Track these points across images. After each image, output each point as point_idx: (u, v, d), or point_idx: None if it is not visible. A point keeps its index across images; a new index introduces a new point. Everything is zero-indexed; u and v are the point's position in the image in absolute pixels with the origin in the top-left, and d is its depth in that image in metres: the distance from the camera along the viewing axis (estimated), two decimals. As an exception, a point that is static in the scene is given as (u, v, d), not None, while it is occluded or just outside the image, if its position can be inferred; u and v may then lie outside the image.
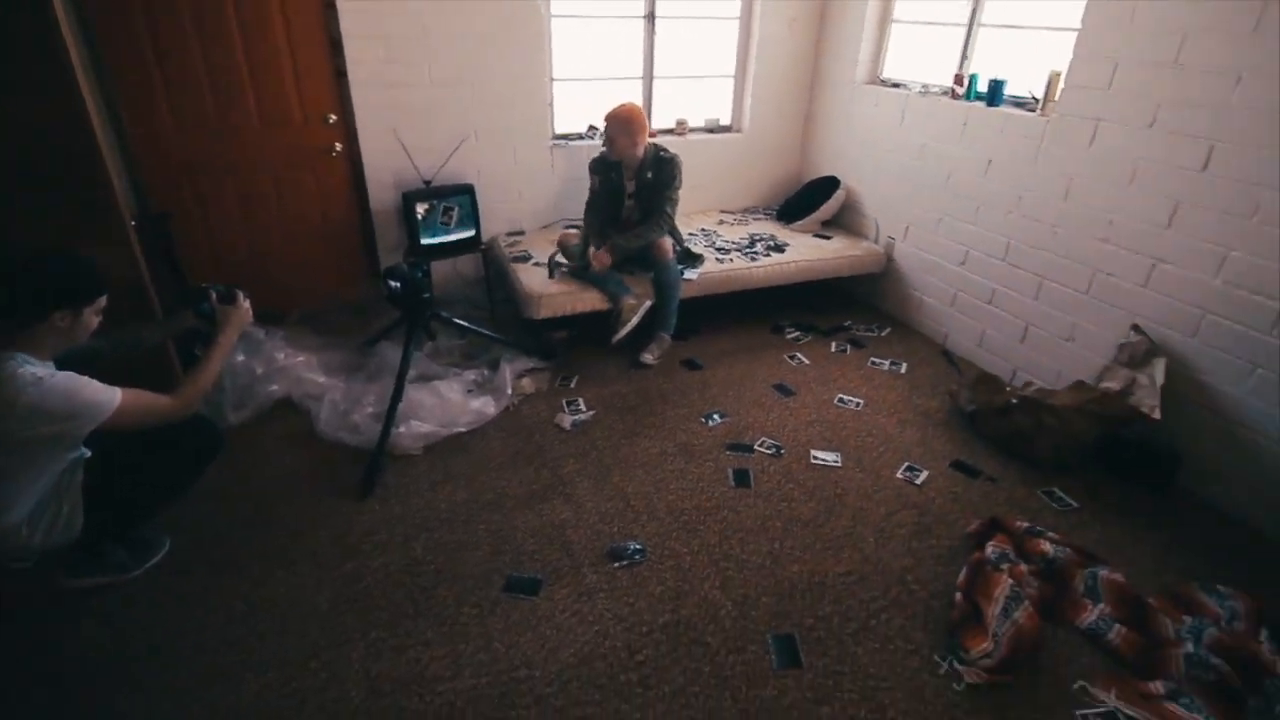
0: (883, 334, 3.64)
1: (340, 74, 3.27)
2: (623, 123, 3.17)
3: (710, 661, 1.82)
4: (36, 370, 1.63)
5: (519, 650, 1.85)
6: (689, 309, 3.52)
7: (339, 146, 3.42)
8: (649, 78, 3.94)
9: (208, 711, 1.69)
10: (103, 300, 1.77)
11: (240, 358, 2.90)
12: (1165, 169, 2.44)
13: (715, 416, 2.88)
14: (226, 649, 1.84)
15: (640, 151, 3.23)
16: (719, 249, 3.67)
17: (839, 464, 2.61)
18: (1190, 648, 1.86)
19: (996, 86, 3.06)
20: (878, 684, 1.78)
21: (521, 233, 3.90)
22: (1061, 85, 2.75)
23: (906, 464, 2.61)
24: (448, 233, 3.51)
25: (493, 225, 3.83)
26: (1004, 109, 3.04)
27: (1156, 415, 2.39)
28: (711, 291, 3.42)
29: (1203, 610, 2.01)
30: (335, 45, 3.20)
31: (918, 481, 2.52)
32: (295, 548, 2.19)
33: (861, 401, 3.01)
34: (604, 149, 3.30)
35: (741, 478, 2.51)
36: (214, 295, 2.11)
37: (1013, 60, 3.14)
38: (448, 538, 2.23)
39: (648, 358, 3.28)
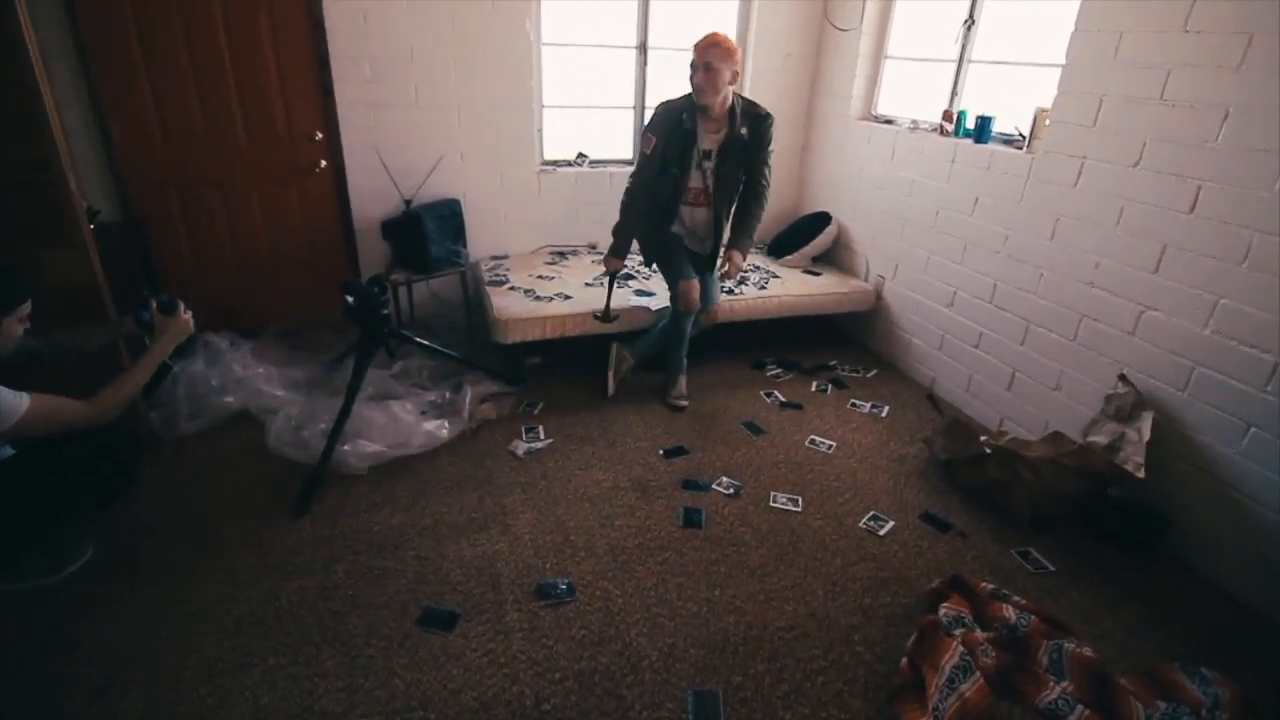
0: (868, 375, 3.49)
1: (327, 92, 3.30)
2: (725, 50, 2.61)
3: (621, 717, 1.68)
4: None
5: (419, 689, 1.72)
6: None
7: (323, 164, 3.44)
8: (640, 108, 3.92)
9: (80, 735, 1.59)
10: (24, 308, 1.75)
11: (200, 367, 2.88)
12: (1152, 210, 2.30)
13: (676, 452, 2.76)
14: (124, 660, 1.76)
15: (727, 98, 2.71)
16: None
17: (799, 509, 2.45)
18: (1160, 736, 1.67)
19: (984, 123, 2.96)
20: (801, 754, 1.61)
21: (505, 256, 3.86)
22: (1047, 122, 2.64)
23: (872, 513, 2.45)
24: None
25: (477, 247, 3.81)
26: (991, 146, 2.94)
27: (1140, 474, 2.21)
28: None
29: (1182, 695, 1.81)
30: (323, 63, 3.24)
31: (881, 533, 2.36)
32: (217, 563, 2.11)
33: (834, 444, 2.86)
34: (682, 99, 2.75)
35: (692, 518, 2.38)
36: (154, 304, 2.08)
37: (1001, 97, 3.04)
38: (373, 563, 2.13)
39: (682, 401, 3.10)
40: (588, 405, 3.10)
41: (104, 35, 2.93)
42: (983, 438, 2.53)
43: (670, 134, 2.80)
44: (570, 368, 3.39)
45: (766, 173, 2.93)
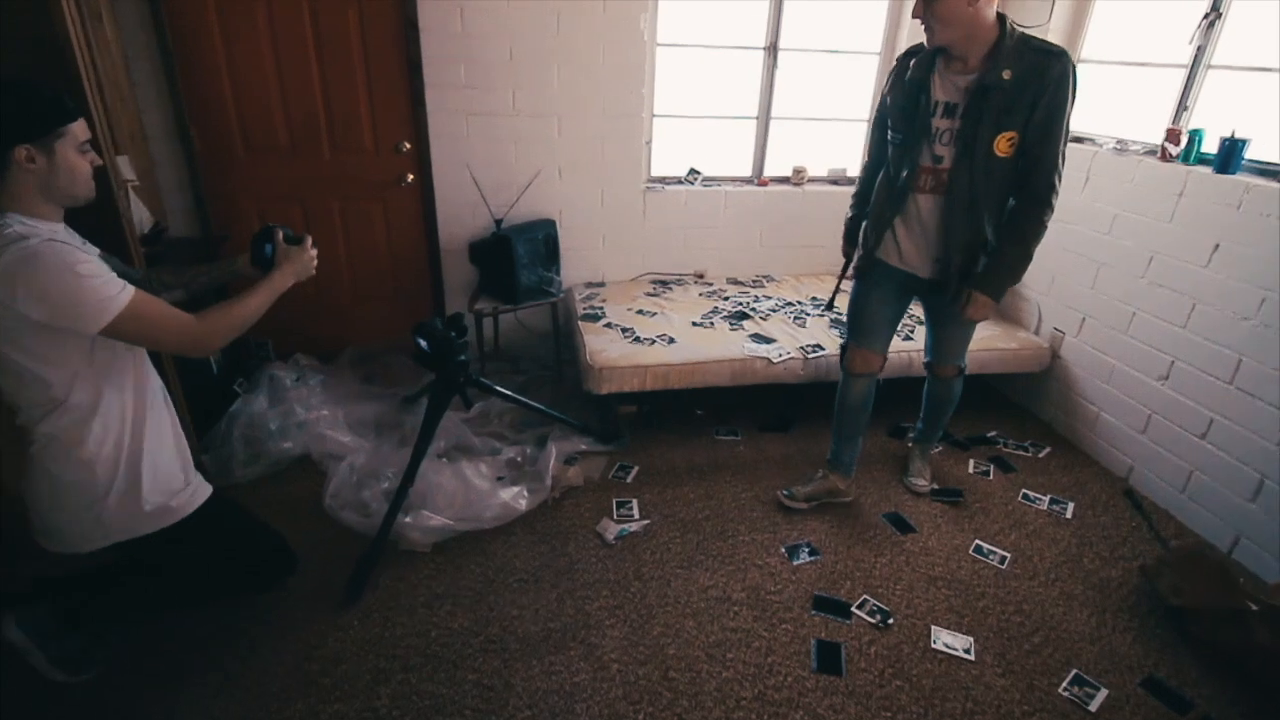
0: (1040, 454, 2.81)
1: (417, 99, 2.96)
2: None
3: None
4: (26, 228, 1.30)
5: None
6: (787, 395, 2.90)
7: (411, 177, 3.11)
8: (765, 118, 3.39)
9: None
10: (77, 128, 1.36)
11: (261, 405, 2.58)
12: None
13: (804, 551, 2.21)
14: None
15: (985, 30, 1.80)
16: (833, 322, 3.01)
17: (971, 656, 1.86)
18: None
19: (1234, 147, 2.24)
20: None
21: (602, 284, 3.43)
22: (1355, 149, 1.92)
23: (1074, 671, 1.82)
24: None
25: (571, 273, 3.39)
26: (1244, 178, 2.22)
27: None
28: (818, 378, 2.77)
29: None
30: (414, 67, 2.90)
31: (1091, 706, 1.73)
32: (249, 665, 1.75)
33: (1007, 556, 2.23)
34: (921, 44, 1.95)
35: (829, 657, 1.83)
36: (281, 235, 1.71)
37: (1255, 113, 2.30)
38: (425, 687, 1.71)
39: (920, 483, 2.51)
40: (690, 473, 2.61)
41: (188, 35, 2.69)
42: (1241, 580, 1.84)
43: (895, 86, 2.02)
44: (670, 420, 2.91)
45: (1053, 156, 1.83)
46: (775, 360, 2.72)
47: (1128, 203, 2.61)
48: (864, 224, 2.20)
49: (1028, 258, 1.97)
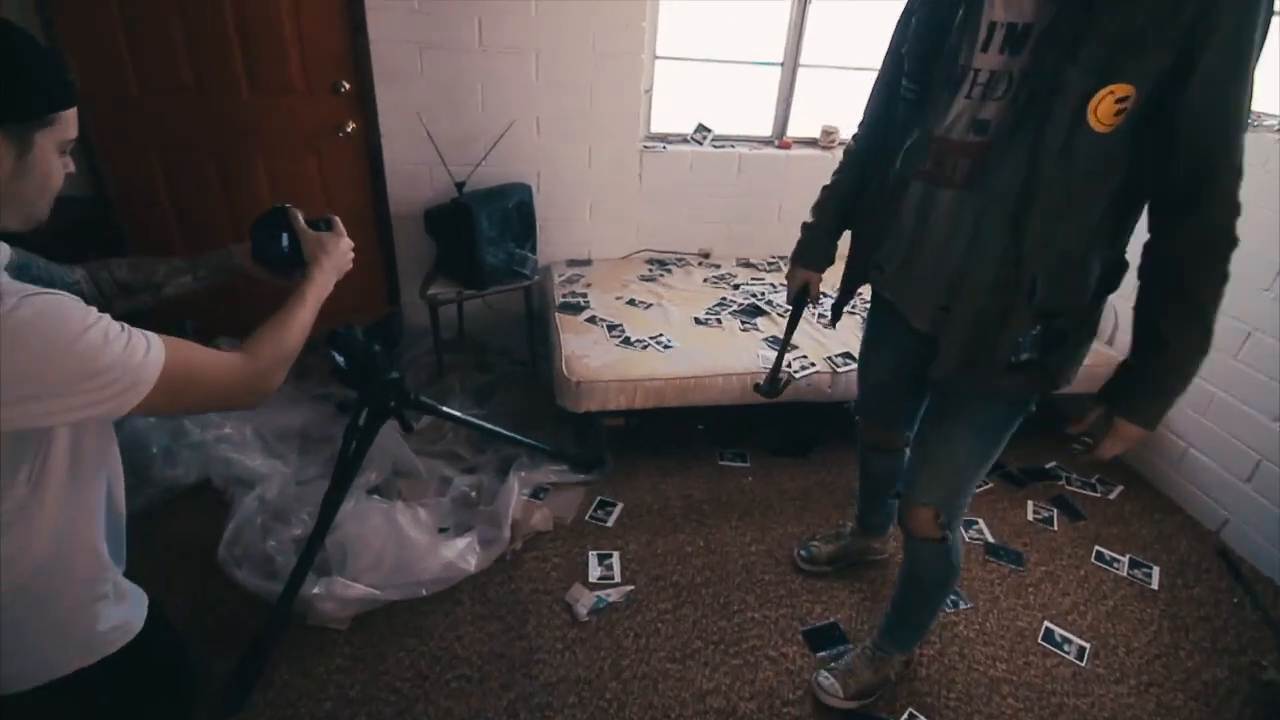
0: (1110, 495, 2.32)
1: (358, 24, 2.34)
2: None
3: None
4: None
5: None
6: (808, 415, 2.39)
7: (352, 126, 2.51)
8: (791, 66, 2.77)
9: None
10: (69, 117, 0.77)
11: (149, 419, 2.05)
12: None
13: (830, 637, 1.73)
14: None
15: None
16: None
17: (1055, 810, 1.40)
18: None
19: None
20: None
21: (588, 262, 2.87)
22: None
23: (1192, 837, 1.37)
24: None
25: (551, 248, 2.83)
26: None
27: None
28: (848, 396, 2.25)
29: None
30: (350, -20, 2.27)
31: None
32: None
33: (1086, 647, 1.75)
34: None
35: (866, 812, 1.37)
36: (300, 219, 1.12)
37: None
38: None
39: (829, 688, 1.55)
40: (687, 513, 2.11)
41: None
42: None
43: (924, 2, 1.15)
44: (664, 436, 2.41)
45: (1229, 143, 0.98)
46: (796, 375, 2.19)
47: (1252, 192, 2.04)
48: (851, 239, 1.43)
49: (1206, 341, 1.07)
